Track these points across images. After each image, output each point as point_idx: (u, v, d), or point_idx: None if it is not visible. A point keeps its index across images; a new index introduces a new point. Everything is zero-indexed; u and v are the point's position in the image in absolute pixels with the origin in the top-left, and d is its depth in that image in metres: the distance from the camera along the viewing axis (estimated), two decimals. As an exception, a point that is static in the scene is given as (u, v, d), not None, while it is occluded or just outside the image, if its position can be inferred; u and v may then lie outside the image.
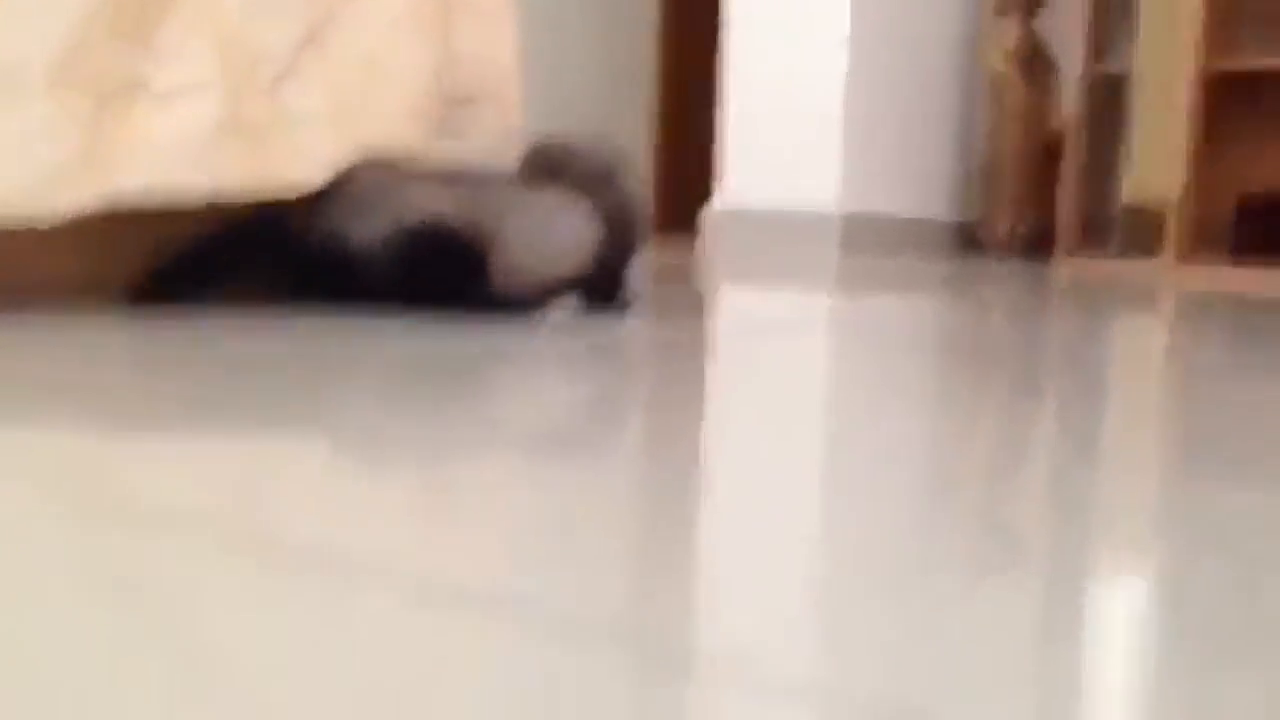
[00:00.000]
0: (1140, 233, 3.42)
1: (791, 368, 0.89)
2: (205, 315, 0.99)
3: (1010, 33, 3.61)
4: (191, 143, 0.99)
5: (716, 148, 3.56)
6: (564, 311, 1.17)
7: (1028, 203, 3.69)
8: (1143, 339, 1.35)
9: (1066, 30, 3.60)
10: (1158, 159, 3.20)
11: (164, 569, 0.34)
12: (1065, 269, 3.18)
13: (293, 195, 1.07)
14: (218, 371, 0.72)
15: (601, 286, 1.25)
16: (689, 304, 1.47)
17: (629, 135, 5.10)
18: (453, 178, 1.11)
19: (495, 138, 1.23)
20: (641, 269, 1.28)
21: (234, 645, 0.28)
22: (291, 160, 1.06)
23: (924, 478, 0.51)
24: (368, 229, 1.05)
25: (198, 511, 0.40)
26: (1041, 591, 0.35)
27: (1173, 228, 2.97)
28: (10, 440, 0.51)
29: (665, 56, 5.15)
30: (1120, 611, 0.34)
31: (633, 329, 1.09)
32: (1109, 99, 3.43)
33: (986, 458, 0.57)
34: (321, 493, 0.44)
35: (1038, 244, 3.71)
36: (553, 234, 1.17)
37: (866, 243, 3.40)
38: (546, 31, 4.56)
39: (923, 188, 3.69)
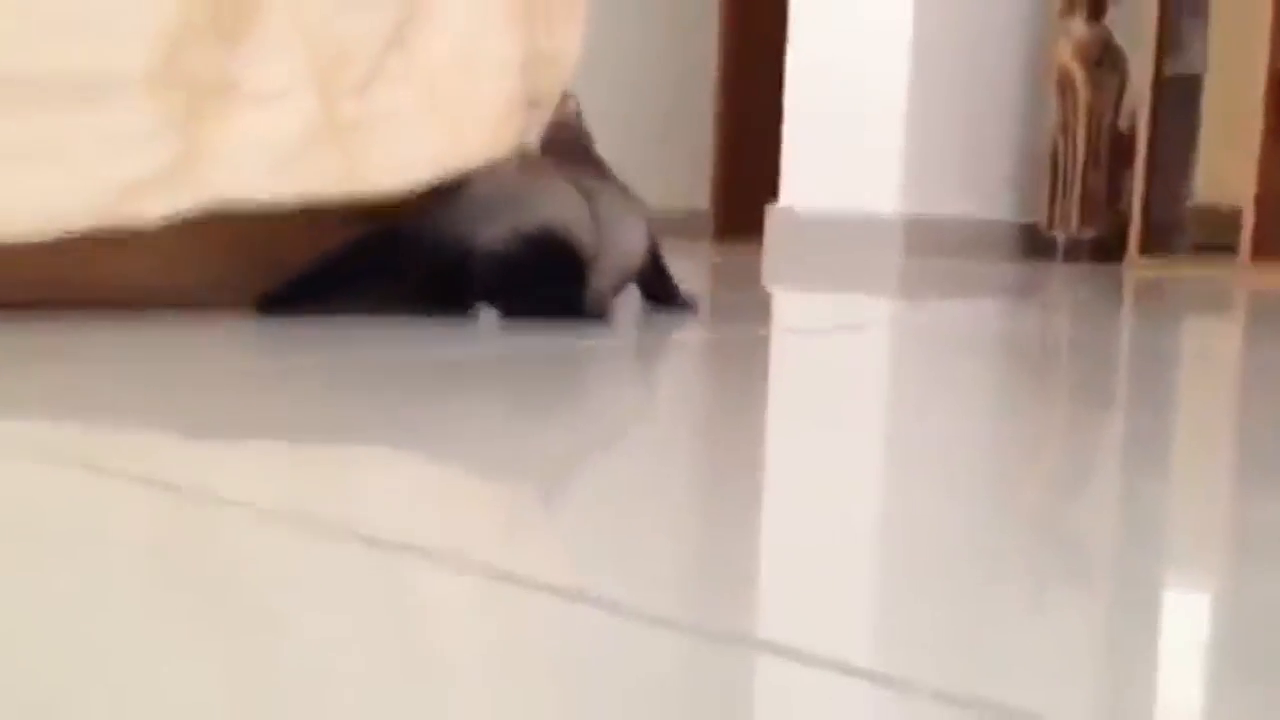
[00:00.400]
0: (1213, 233, 3.36)
1: (854, 371, 0.88)
2: (325, 323, 1.00)
3: (1078, 30, 3.56)
4: (285, 145, 1.00)
5: (780, 150, 3.54)
6: (635, 312, 1.17)
7: (1096, 203, 3.64)
8: (1214, 343, 1.32)
9: (1136, 28, 3.54)
10: (1230, 158, 3.14)
11: (255, 560, 0.35)
12: (1136, 271, 3.13)
13: (392, 195, 1.07)
14: (323, 377, 0.73)
15: (652, 280, 1.25)
16: (753, 306, 1.47)
17: (692, 136, 5.10)
18: (569, 179, 1.11)
19: (537, 138, 1.23)
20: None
21: (323, 632, 0.29)
22: (386, 161, 1.06)
23: (985, 484, 0.51)
24: (487, 235, 1.05)
25: (290, 508, 0.41)
26: (1102, 602, 0.35)
27: (1246, 228, 2.91)
28: (117, 441, 0.52)
29: (727, 57, 5.14)
30: (1181, 624, 0.33)
31: (698, 329, 1.09)
32: (1180, 97, 3.38)
33: (1049, 465, 0.56)
34: (413, 491, 0.44)
35: (1107, 245, 3.66)
36: (627, 233, 1.18)
37: (931, 245, 3.37)
38: (609, 31, 4.57)
39: (987, 189, 3.65)
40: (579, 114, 1.27)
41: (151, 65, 0.93)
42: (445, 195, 1.08)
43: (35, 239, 0.88)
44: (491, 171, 1.10)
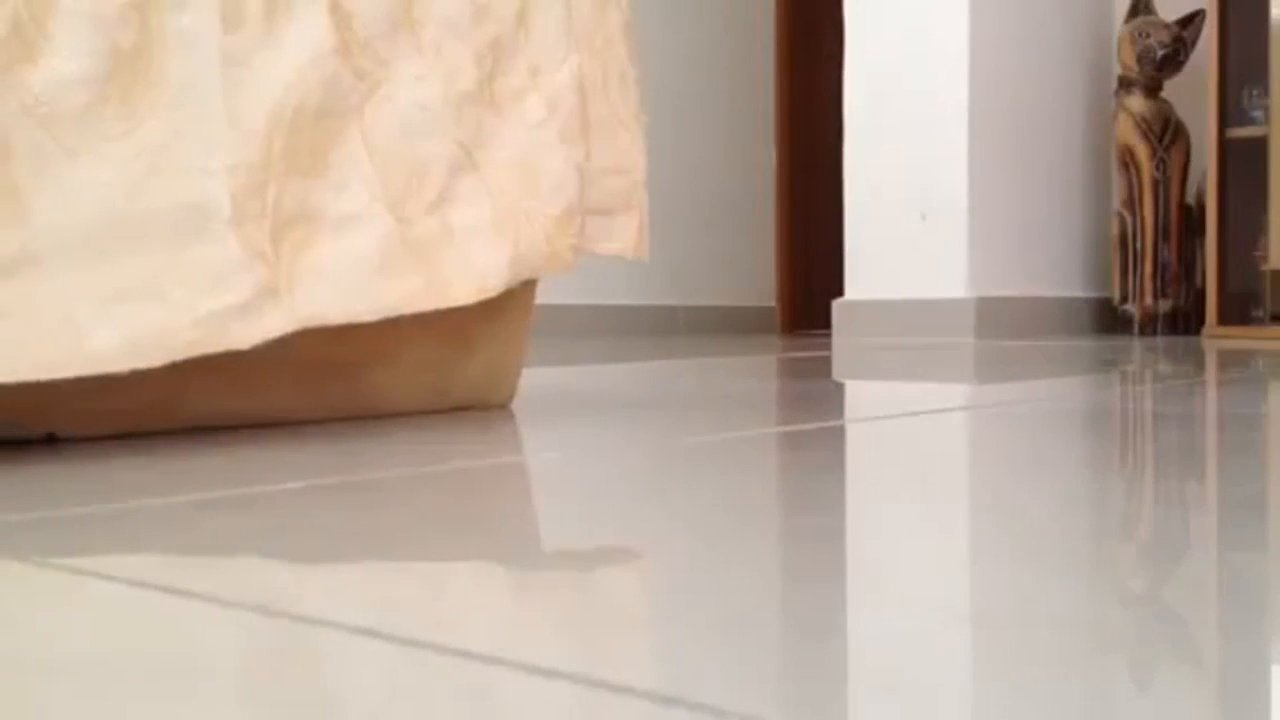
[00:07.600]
0: (1292, 299, 3.30)
1: (937, 453, 0.88)
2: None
3: (1138, 106, 3.55)
4: (365, 265, 1.04)
5: (843, 242, 3.56)
6: None
7: (1168, 275, 3.60)
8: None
9: (1196, 98, 3.53)
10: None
11: (346, 676, 0.35)
12: (1213, 341, 3.08)
13: (465, 304, 1.11)
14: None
15: None
16: (827, 396, 1.47)
17: (756, 235, 5.14)
18: None
19: (629, 246, 1.25)
20: None
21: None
22: (460, 274, 1.10)
23: (1079, 560, 0.50)
24: None
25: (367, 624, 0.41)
26: (1210, 681, 0.34)
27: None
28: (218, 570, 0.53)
29: (786, 154, 5.20)
30: (1299, 695, 0.33)
31: (779, 422, 1.08)
32: (1246, 164, 3.35)
33: (1145, 539, 0.55)
34: (481, 603, 0.45)
35: (1184, 317, 3.61)
36: None
37: (1002, 326, 3.35)
38: (673, 137, 4.65)
39: (1057, 266, 3.63)
40: None
41: (237, 196, 0.97)
42: None
43: (128, 369, 0.91)
44: None
